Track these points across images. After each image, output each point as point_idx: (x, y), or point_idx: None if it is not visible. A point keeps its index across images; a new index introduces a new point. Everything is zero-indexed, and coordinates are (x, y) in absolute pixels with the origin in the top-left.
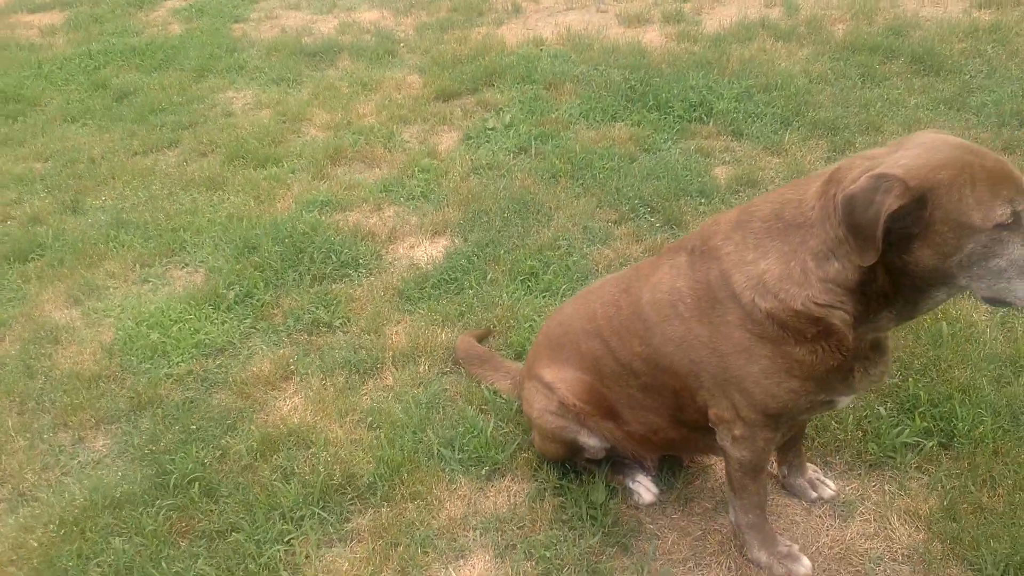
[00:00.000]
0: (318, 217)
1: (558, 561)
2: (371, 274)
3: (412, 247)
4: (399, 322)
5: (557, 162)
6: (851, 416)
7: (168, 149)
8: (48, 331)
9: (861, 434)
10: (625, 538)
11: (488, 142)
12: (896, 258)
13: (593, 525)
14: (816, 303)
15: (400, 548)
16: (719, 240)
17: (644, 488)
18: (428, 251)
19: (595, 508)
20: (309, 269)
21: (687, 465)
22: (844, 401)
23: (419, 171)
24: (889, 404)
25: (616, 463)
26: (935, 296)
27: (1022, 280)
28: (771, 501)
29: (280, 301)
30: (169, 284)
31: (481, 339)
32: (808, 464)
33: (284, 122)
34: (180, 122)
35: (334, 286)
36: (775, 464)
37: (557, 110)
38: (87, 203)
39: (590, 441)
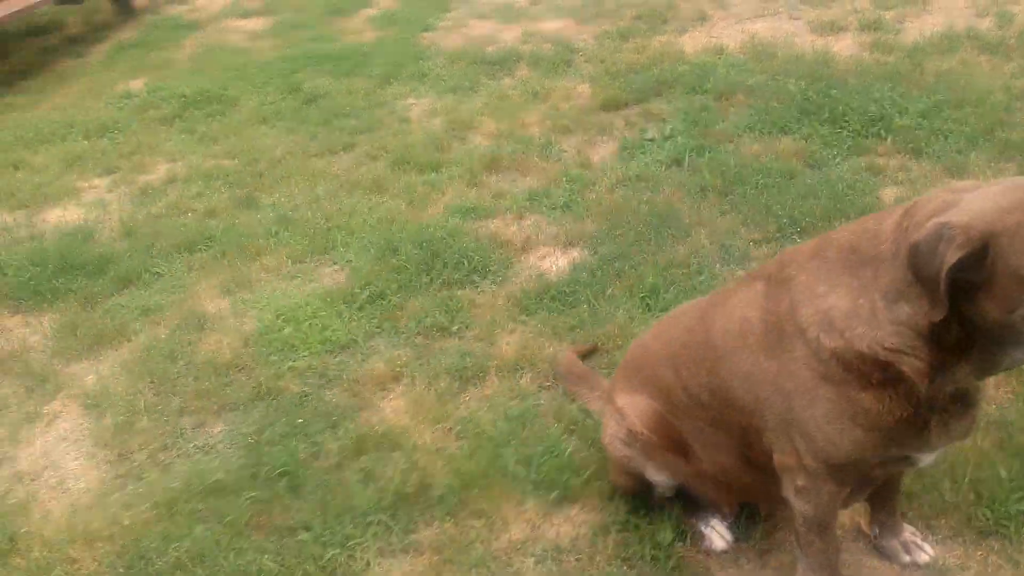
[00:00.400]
0: (460, 223)
1: None
2: (497, 282)
3: (543, 257)
4: (512, 331)
5: (709, 176)
6: (967, 476)
7: (343, 152)
8: (197, 319)
9: (974, 497)
10: None
11: (643, 153)
12: (965, 308)
13: (655, 567)
14: (884, 347)
15: (453, 567)
16: (794, 269)
17: (717, 534)
18: (557, 262)
19: (659, 549)
20: (441, 274)
21: (766, 515)
22: (925, 459)
23: (567, 181)
24: (1016, 467)
25: (691, 504)
26: (1013, 354)
27: None
28: (860, 562)
29: (407, 304)
30: (315, 281)
31: (585, 355)
32: (905, 525)
33: (453, 129)
34: (359, 127)
35: (460, 292)
36: (866, 522)
37: (723, 122)
38: (260, 200)
39: (657, 477)
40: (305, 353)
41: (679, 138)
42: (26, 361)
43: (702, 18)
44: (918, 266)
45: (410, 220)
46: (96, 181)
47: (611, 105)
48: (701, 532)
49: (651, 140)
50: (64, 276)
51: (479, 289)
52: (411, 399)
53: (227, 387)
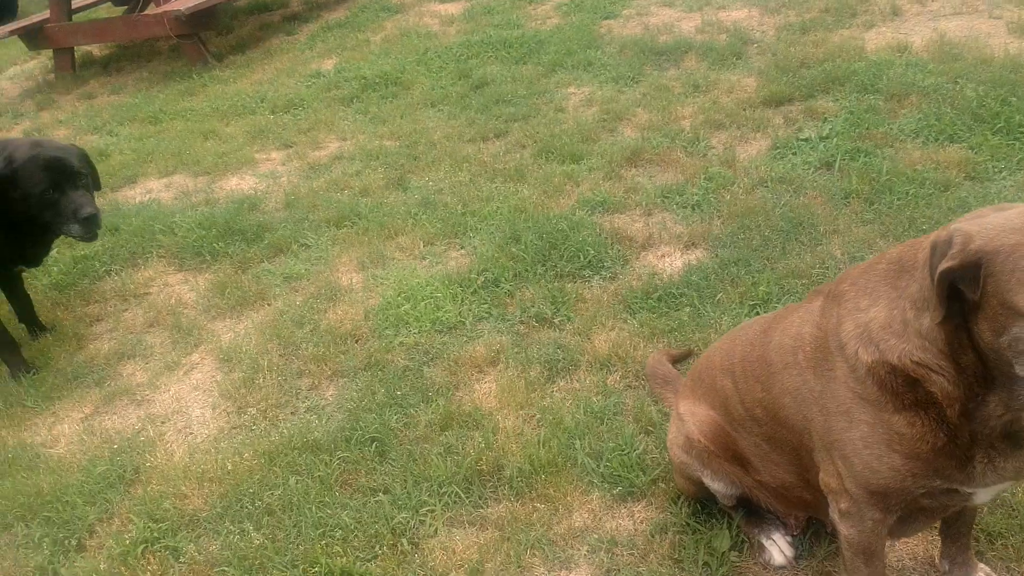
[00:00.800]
0: (586, 216)
1: None
2: (607, 278)
3: (662, 256)
4: (611, 329)
5: (857, 182)
6: None
7: (495, 139)
8: (331, 290)
9: None
10: None
11: (794, 154)
12: (971, 327)
13: (705, 572)
14: (912, 360)
15: (512, 544)
16: (847, 284)
17: (778, 548)
18: (673, 262)
19: (713, 555)
20: (555, 265)
21: (833, 531)
22: (979, 496)
23: (704, 179)
24: None
25: (754, 514)
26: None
27: None
28: None
29: (518, 292)
30: (441, 263)
31: (677, 360)
32: (981, 564)
33: (605, 120)
34: (515, 114)
35: (570, 285)
36: (939, 555)
37: (887, 125)
38: (410, 182)
39: (715, 484)
40: (416, 330)
41: (835, 139)
42: (177, 315)
43: (894, 12)
44: (929, 268)
45: (540, 210)
46: (273, 154)
47: (773, 100)
48: (761, 544)
49: (805, 140)
50: (225, 240)
51: (589, 284)
52: (502, 384)
53: (342, 355)
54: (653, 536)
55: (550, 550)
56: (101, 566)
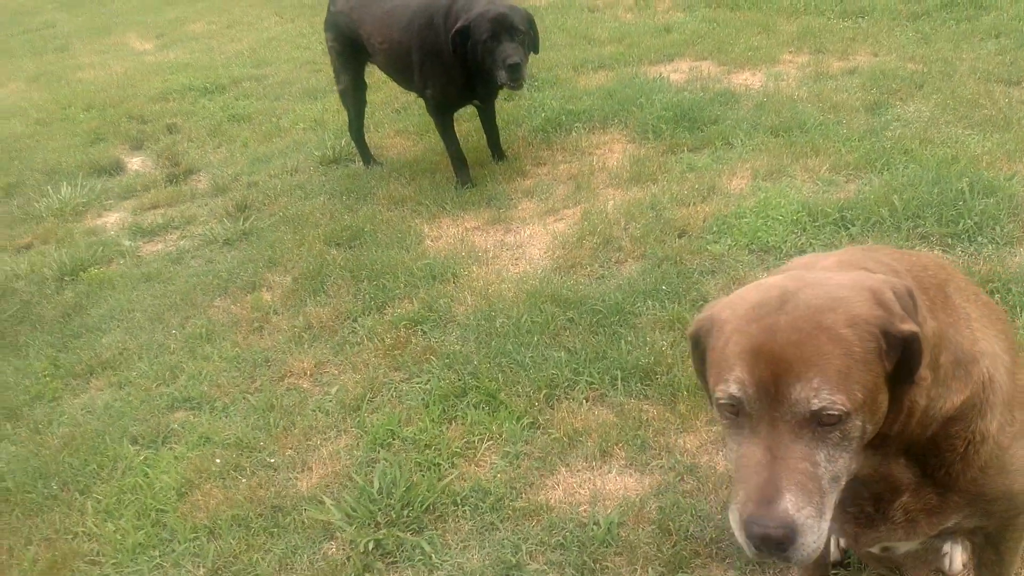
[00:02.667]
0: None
1: None
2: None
3: None
4: None
5: None
6: None
7: None
8: (708, 190)
9: None
10: None
11: None
12: None
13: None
14: None
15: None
16: None
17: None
18: None
19: None
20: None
21: None
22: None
23: None
24: None
25: None
26: None
27: (736, 490)
28: None
29: (862, 237)
30: (825, 192)
31: None
32: None
33: None
34: None
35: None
36: None
37: None
38: (891, 109)
39: None
40: (732, 243)
41: None
42: (589, 177)
43: None
44: None
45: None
46: (800, 57)
47: None
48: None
49: None
50: (674, 124)
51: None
52: None
53: (660, 243)
54: None
55: (638, 452)
56: (375, 325)
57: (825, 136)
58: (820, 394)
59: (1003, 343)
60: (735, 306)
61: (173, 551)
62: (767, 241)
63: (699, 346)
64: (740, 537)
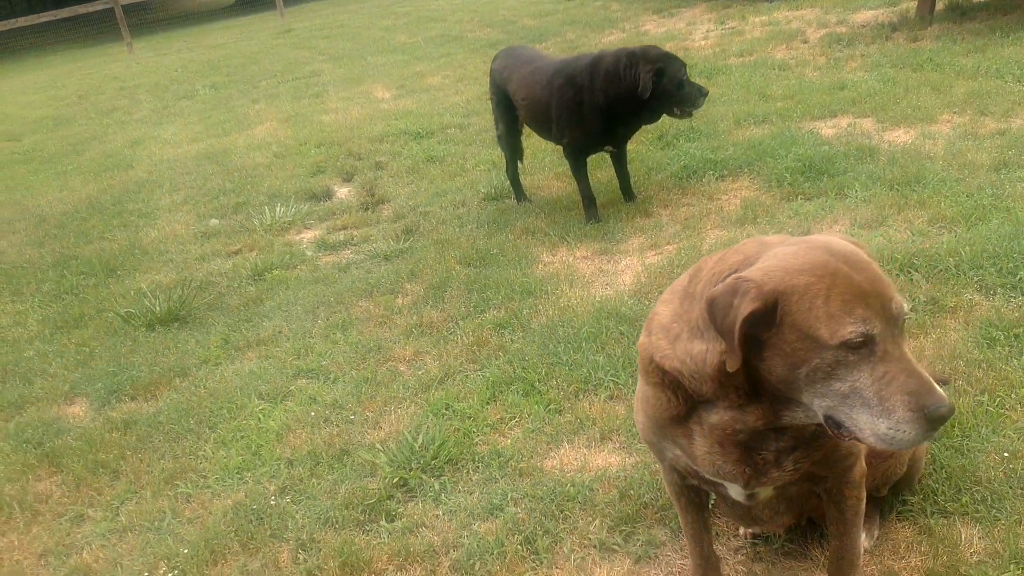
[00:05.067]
0: None
1: None
2: None
3: None
4: None
5: None
6: None
7: None
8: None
9: None
10: None
11: None
12: (754, 361)
13: None
14: (668, 365)
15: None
16: (677, 283)
17: None
18: None
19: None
20: None
21: None
22: (731, 489)
23: None
24: None
25: None
26: (795, 412)
27: (865, 412)
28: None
29: None
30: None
31: None
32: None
33: None
34: None
35: None
36: None
37: None
38: None
39: None
40: None
41: None
42: (703, 220)
43: None
44: (714, 316)
45: None
46: (962, 118)
47: None
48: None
49: None
50: (800, 175)
51: None
52: None
53: None
54: None
55: (630, 439)
56: (469, 326)
57: (937, 192)
58: (902, 299)
59: None
60: (805, 271)
61: (259, 473)
62: None
63: (758, 324)
64: (917, 431)
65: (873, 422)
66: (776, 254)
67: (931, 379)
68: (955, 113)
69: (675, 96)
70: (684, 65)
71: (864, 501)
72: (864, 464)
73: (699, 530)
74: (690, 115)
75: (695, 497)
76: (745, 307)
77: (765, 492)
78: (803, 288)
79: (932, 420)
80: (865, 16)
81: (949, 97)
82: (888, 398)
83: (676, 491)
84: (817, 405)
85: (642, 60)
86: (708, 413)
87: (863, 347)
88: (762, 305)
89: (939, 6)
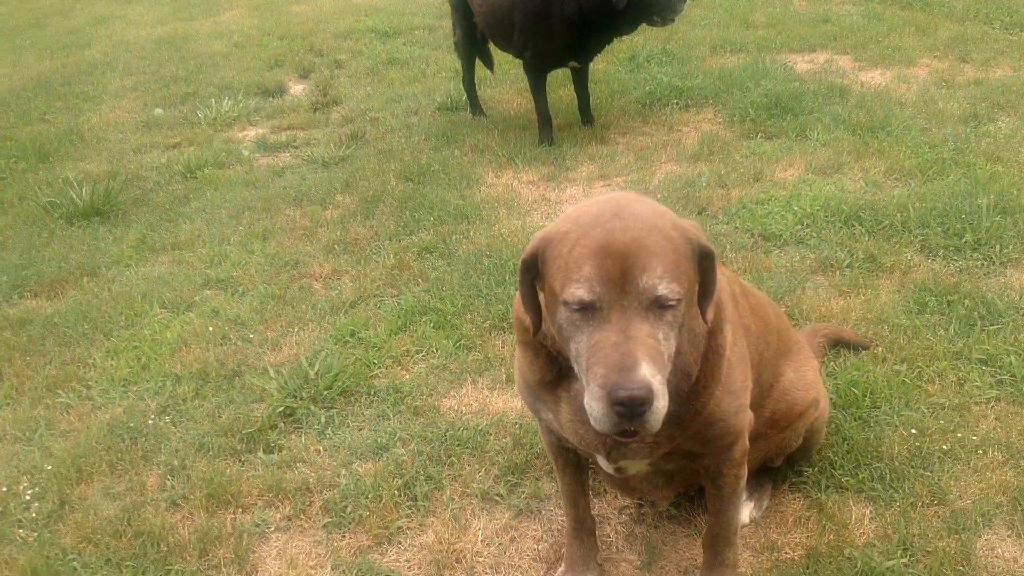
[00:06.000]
0: None
1: None
2: None
3: None
4: None
5: None
6: None
7: None
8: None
9: None
10: None
11: None
12: None
13: None
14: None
15: None
16: None
17: None
18: None
19: None
20: None
21: None
22: (602, 462)
23: None
24: None
25: None
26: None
27: (584, 380)
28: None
29: None
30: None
31: None
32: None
33: None
34: None
35: None
36: None
37: None
38: None
39: None
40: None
41: None
42: (656, 151)
43: None
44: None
45: None
46: (928, 62)
47: None
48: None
49: None
50: (767, 112)
51: None
52: None
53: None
54: None
55: None
56: (394, 247)
57: (899, 141)
58: (663, 281)
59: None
60: (574, 219)
61: (143, 388)
62: (770, 228)
63: (531, 270)
64: (601, 409)
65: (586, 392)
66: (577, 205)
67: (636, 357)
68: (935, 57)
69: (654, 1)
70: None
71: (744, 479)
72: (747, 442)
73: (576, 492)
74: (672, 21)
75: (573, 459)
76: (524, 255)
77: (637, 466)
78: (559, 239)
79: (613, 402)
80: None
81: (932, 39)
82: (590, 368)
83: (554, 452)
84: (575, 367)
85: None
86: (574, 379)
87: (583, 310)
88: (531, 252)
89: None
